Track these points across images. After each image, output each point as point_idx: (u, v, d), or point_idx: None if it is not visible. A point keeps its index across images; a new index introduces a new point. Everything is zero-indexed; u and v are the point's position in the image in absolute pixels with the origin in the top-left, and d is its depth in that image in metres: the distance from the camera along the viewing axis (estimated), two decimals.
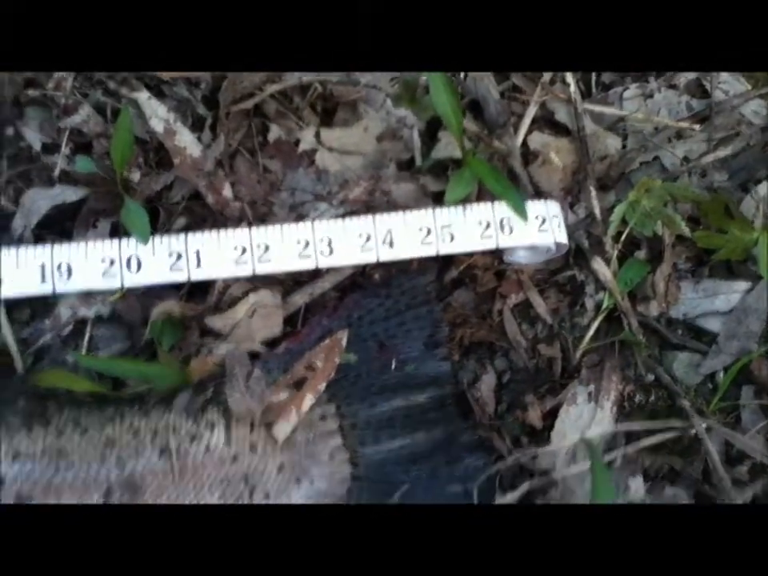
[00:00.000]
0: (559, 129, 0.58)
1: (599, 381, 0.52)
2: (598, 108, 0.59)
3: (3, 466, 0.41)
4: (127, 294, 0.49)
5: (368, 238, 0.49)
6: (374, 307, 0.51)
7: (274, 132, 0.55)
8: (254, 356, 0.48)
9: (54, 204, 0.51)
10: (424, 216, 0.50)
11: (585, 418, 0.50)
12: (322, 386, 0.46)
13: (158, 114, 0.53)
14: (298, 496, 0.45)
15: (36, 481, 0.41)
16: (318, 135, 0.55)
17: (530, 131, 0.58)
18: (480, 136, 0.56)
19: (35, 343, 0.49)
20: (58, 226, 0.52)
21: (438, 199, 0.53)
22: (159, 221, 0.52)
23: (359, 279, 0.52)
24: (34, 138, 0.53)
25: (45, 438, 0.42)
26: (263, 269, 0.48)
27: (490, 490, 0.48)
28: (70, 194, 0.51)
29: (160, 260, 0.48)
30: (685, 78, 0.61)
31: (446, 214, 0.50)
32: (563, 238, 0.51)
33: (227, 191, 0.53)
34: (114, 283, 0.47)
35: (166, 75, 0.54)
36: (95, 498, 0.42)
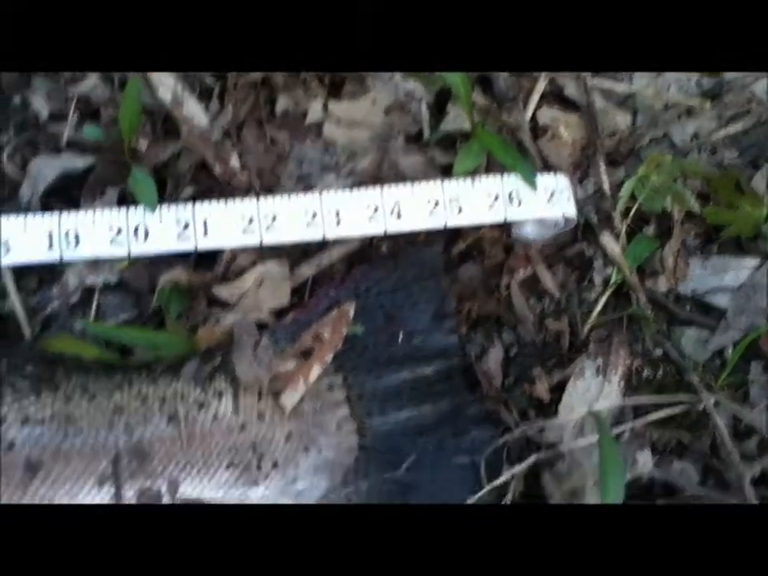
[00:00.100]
0: (568, 104, 0.58)
1: (607, 355, 0.51)
2: (607, 84, 0.59)
3: (12, 430, 0.41)
4: (135, 261, 0.49)
5: (376, 209, 0.49)
6: (381, 279, 0.50)
7: (282, 103, 0.55)
8: (261, 326, 0.47)
9: (61, 172, 0.51)
10: (432, 188, 0.49)
11: (593, 392, 0.50)
12: (329, 357, 0.46)
13: (165, 84, 0.53)
14: (306, 465, 0.45)
15: (45, 446, 0.41)
16: (325, 107, 0.55)
17: (538, 106, 0.57)
18: (489, 110, 0.56)
19: (43, 311, 0.49)
20: (66, 194, 0.52)
21: (446, 172, 0.53)
22: (166, 190, 0.52)
23: (367, 251, 0.52)
24: (41, 106, 0.53)
25: (53, 403, 0.42)
26: (270, 238, 0.48)
27: (496, 462, 0.48)
28: (77, 162, 0.51)
29: (167, 229, 0.47)
30: None
31: (454, 186, 0.50)
32: (572, 212, 0.51)
33: (234, 161, 0.52)
34: (121, 251, 0.47)
35: None
36: (103, 464, 0.42)
